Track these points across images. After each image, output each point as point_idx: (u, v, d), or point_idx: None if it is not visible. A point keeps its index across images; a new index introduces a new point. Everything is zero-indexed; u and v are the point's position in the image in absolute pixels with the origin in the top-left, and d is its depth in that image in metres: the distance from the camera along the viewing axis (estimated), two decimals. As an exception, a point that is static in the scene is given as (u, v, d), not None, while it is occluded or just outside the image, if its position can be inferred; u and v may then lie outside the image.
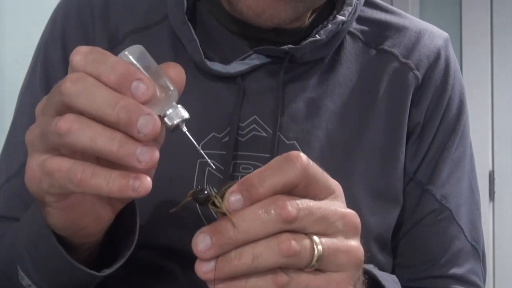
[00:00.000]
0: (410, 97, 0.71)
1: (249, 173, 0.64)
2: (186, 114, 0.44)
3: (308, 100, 0.68)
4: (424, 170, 0.72)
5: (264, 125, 0.66)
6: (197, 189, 0.43)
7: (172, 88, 0.44)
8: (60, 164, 0.42)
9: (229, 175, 0.65)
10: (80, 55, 0.42)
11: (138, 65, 0.43)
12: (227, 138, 0.65)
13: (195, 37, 0.66)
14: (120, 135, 0.41)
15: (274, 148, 0.65)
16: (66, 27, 0.71)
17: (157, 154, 0.41)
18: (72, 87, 0.41)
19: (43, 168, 0.43)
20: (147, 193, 0.42)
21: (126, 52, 0.43)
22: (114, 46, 0.69)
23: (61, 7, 0.73)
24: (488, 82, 2.61)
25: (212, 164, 0.47)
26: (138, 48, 0.44)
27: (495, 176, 2.57)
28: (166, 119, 0.43)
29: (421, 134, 0.72)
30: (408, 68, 0.72)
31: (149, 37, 0.69)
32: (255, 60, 0.67)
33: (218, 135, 0.66)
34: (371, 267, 0.59)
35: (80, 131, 0.41)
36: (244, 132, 0.66)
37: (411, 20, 0.76)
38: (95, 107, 0.40)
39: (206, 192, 0.43)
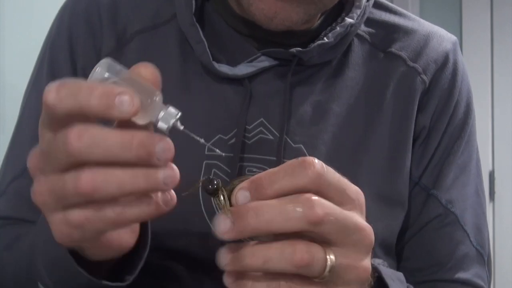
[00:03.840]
0: (417, 102, 0.70)
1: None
2: (178, 112, 0.43)
3: (315, 104, 0.68)
4: (429, 175, 0.71)
5: (271, 128, 0.66)
6: (209, 178, 0.43)
7: (155, 91, 0.42)
8: (86, 215, 0.41)
9: (235, 177, 0.65)
10: (52, 93, 0.39)
11: (114, 78, 0.41)
12: (233, 140, 0.65)
13: (203, 38, 0.66)
14: (141, 171, 0.40)
15: (280, 151, 0.64)
16: (73, 27, 0.70)
17: (177, 173, 0.41)
18: (78, 144, 0.39)
19: (69, 223, 0.41)
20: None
21: (98, 69, 0.41)
22: (122, 46, 0.69)
23: (67, 6, 0.73)
24: (488, 82, 2.61)
25: (218, 151, 0.45)
26: (107, 61, 0.42)
27: (495, 176, 2.58)
28: (160, 123, 0.42)
29: (426, 138, 0.71)
30: (416, 72, 0.71)
31: (157, 36, 0.69)
32: (262, 62, 0.66)
33: (224, 137, 0.66)
34: (380, 262, 0.58)
35: (104, 185, 0.39)
36: (250, 135, 0.66)
37: (420, 22, 0.76)
38: (111, 156, 0.39)
39: (215, 183, 0.43)
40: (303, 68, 0.68)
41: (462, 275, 0.70)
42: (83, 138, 0.39)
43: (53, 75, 0.70)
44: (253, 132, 0.66)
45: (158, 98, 0.42)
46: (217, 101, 0.66)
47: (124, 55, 0.68)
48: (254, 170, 0.65)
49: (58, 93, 0.39)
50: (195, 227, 0.63)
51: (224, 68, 0.66)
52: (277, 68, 0.67)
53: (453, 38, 0.76)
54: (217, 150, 0.44)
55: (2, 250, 0.64)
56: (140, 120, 0.42)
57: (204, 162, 0.65)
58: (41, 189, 0.42)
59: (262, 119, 0.66)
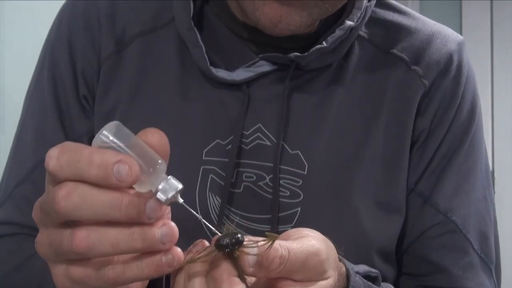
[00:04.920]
0: (416, 106, 0.68)
1: (252, 181, 0.65)
2: (179, 185, 0.42)
3: (313, 109, 0.67)
4: (427, 181, 0.69)
5: (268, 134, 0.65)
6: (220, 242, 0.44)
7: (158, 160, 0.42)
8: (87, 272, 0.41)
9: (231, 183, 0.64)
10: (53, 159, 0.40)
11: (119, 143, 0.41)
12: (230, 146, 0.65)
13: (201, 43, 0.65)
14: (137, 231, 0.40)
15: (277, 157, 0.64)
16: (72, 30, 0.70)
17: (176, 229, 0.41)
18: (66, 203, 0.39)
19: (70, 278, 0.42)
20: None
21: (104, 131, 0.41)
22: (121, 49, 0.68)
23: (66, 9, 0.72)
24: (488, 82, 2.61)
25: (210, 226, 0.46)
26: (114, 124, 0.42)
27: (495, 176, 2.58)
28: (159, 194, 0.41)
29: (425, 142, 0.69)
30: (416, 75, 0.69)
31: (155, 40, 0.68)
32: (261, 67, 0.65)
33: (222, 142, 0.65)
34: (361, 271, 0.57)
35: (98, 244, 0.39)
36: (248, 140, 0.65)
37: (424, 22, 0.73)
38: (101, 215, 0.39)
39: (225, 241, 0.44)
40: (302, 73, 0.67)
41: (465, 283, 0.69)
42: (71, 198, 0.39)
43: (54, 78, 0.70)
44: (251, 137, 0.65)
45: (161, 167, 0.41)
46: (215, 106, 0.66)
47: (123, 58, 0.68)
48: (251, 176, 0.65)
49: (58, 161, 0.39)
50: (194, 235, 0.63)
51: (222, 73, 0.65)
52: (275, 72, 0.66)
53: (459, 38, 0.73)
54: (210, 227, 0.46)
55: (12, 269, 0.64)
56: (140, 188, 0.41)
57: (202, 168, 0.65)
58: (43, 241, 0.42)
59: (259, 124, 0.65)
